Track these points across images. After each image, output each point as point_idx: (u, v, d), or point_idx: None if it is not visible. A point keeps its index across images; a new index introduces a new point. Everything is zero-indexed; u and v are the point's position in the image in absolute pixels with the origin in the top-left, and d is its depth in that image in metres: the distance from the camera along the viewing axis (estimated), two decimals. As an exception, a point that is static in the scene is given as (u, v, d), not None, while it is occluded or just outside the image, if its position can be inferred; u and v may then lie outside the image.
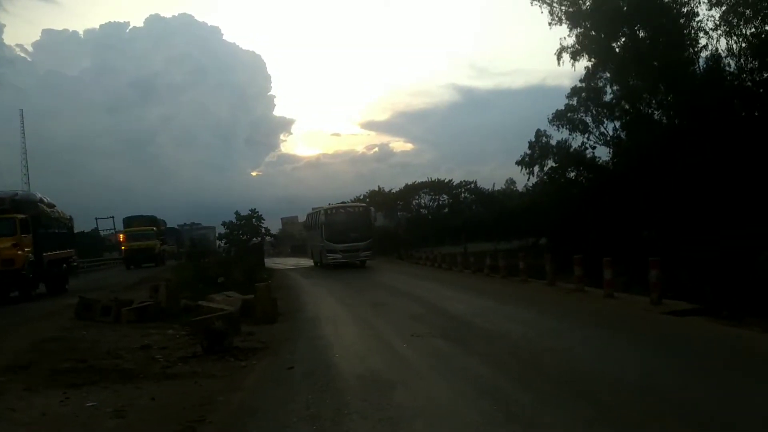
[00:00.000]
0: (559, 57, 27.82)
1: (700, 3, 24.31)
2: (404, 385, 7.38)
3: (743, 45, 22.77)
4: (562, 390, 6.81)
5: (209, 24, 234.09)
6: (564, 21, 26.57)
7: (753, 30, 22.35)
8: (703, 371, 7.43)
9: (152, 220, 48.57)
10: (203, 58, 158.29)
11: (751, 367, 7.62)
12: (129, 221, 48.93)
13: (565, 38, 27.35)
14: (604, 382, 7.09)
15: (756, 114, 22.35)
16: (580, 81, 29.23)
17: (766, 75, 22.31)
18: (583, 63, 28.00)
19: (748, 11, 22.10)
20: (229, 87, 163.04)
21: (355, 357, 9.23)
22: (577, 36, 26.59)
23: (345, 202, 38.36)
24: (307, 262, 37.90)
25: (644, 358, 8.38)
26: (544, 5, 27.10)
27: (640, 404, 6.18)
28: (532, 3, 27.40)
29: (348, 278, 24.38)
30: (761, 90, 22.65)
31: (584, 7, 25.68)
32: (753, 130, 20.86)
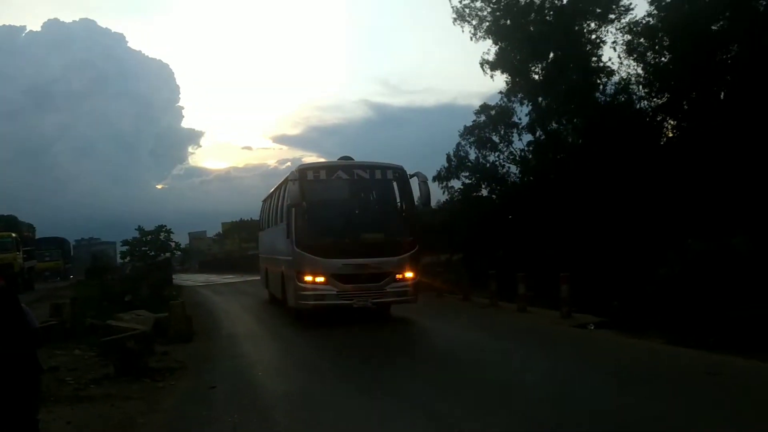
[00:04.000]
0: (482, 67, 28.50)
1: (607, 32, 25.76)
2: (332, 402, 7.35)
3: (645, 72, 24.35)
4: (481, 398, 7.05)
5: (113, 30, 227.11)
6: (487, 37, 27.39)
7: (653, 59, 23.95)
8: (611, 379, 7.92)
9: (9, 223, 35.51)
10: (106, 65, 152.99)
11: (653, 375, 8.13)
12: None
13: (487, 52, 28.14)
14: (520, 391, 7.44)
15: (654, 138, 23.89)
16: (501, 97, 29.75)
17: (663, 101, 23.91)
18: (504, 78, 28.68)
19: (648, 41, 23.65)
20: (133, 96, 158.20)
21: (279, 375, 9.11)
22: (496, 53, 27.49)
23: (349, 157, 14.91)
24: (220, 279, 36.08)
25: (557, 368, 8.76)
26: (466, 23, 27.73)
27: (552, 411, 6.51)
28: (454, 22, 27.97)
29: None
30: (659, 115, 24.26)
31: (504, 26, 26.58)
32: (651, 153, 22.25)
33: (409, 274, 13.14)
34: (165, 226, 37.50)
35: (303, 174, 13.32)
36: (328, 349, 10.86)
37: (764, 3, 20.95)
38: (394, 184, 13.92)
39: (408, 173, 13.88)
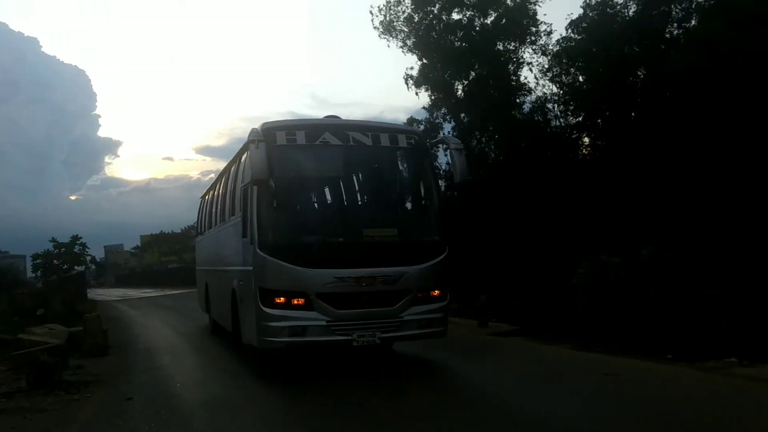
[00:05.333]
0: (406, 82, 28.96)
1: (524, 52, 26.80)
2: (253, 409, 7.41)
3: (561, 92, 25.51)
4: (401, 401, 7.34)
5: (26, 34, 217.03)
6: (413, 51, 27.90)
7: (568, 80, 25.13)
8: (517, 380, 8.48)
9: None
10: (16, 70, 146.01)
11: (555, 376, 8.74)
12: None
13: (411, 68, 28.64)
14: (437, 394, 7.82)
15: (570, 155, 25.02)
16: (426, 113, 30.33)
17: (579, 119, 25.11)
18: (428, 93, 29.23)
19: (563, 63, 24.80)
20: (46, 103, 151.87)
21: (198, 385, 9.07)
22: (420, 68, 28.04)
23: (335, 116, 9.89)
24: (138, 293, 34.98)
25: (473, 373, 9.19)
26: (392, 38, 28.12)
27: (469, 410, 6.90)
28: (380, 36, 28.31)
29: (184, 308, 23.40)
30: (575, 133, 25.41)
31: (429, 42, 27.16)
32: (568, 170, 23.29)
33: (436, 292, 8.85)
34: (80, 237, 36.21)
35: (270, 135, 8.43)
36: (250, 356, 10.82)
37: (669, 31, 22.39)
38: (411, 155, 9.50)
39: (428, 140, 10.14)
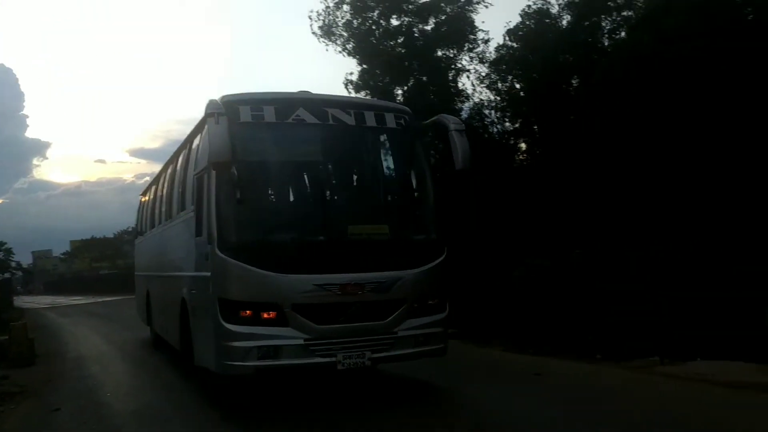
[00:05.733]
0: (346, 87, 28.94)
1: (461, 59, 27.22)
2: (185, 418, 7.28)
3: (498, 99, 26.07)
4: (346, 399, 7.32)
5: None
6: (353, 56, 27.93)
7: (505, 87, 25.69)
8: (451, 380, 8.69)
9: None
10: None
11: (488, 376, 9.16)
12: None
13: (351, 73, 28.66)
14: (379, 395, 7.87)
15: (507, 160, 25.58)
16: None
17: (516, 126, 25.70)
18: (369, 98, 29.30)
19: (500, 70, 25.34)
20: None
21: (129, 394, 8.85)
22: (360, 73, 28.10)
23: (304, 91, 8.00)
24: (68, 300, 33.76)
25: (410, 376, 9.13)
26: (330, 43, 28.06)
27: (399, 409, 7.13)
28: (319, 39, 28.18)
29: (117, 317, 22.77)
30: (512, 139, 26.00)
31: (368, 47, 27.27)
32: (505, 175, 23.79)
33: (433, 302, 7.58)
34: (5, 243, 34.69)
35: (232, 110, 6.95)
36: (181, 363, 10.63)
37: (600, 41, 23.18)
38: (401, 137, 8.07)
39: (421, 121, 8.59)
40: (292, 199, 8.46)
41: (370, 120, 7.76)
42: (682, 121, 14.06)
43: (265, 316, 6.68)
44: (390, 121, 7.90)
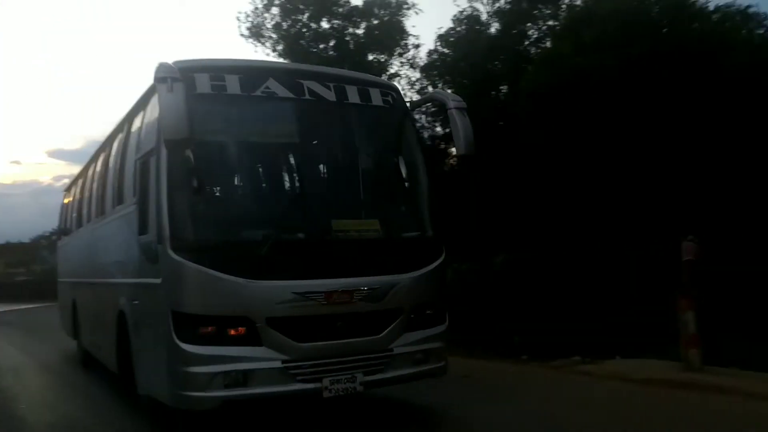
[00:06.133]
0: None
1: (391, 64, 27.38)
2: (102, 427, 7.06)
3: (430, 104, 26.36)
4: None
5: None
6: (282, 57, 27.56)
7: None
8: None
9: None
10: None
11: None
12: None
13: None
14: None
15: (438, 164, 25.94)
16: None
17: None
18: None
19: (430, 75, 25.62)
20: None
21: (46, 406, 8.47)
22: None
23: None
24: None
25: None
26: (260, 44, 27.55)
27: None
28: (246, 40, 27.58)
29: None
30: (442, 143, 26.36)
31: (298, 50, 27.00)
32: (437, 179, 24.09)
33: (432, 312, 6.39)
34: None
35: (189, 78, 5.53)
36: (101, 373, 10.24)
37: (527, 49, 23.81)
38: (389, 117, 6.78)
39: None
40: (264, 188, 6.93)
41: (353, 96, 6.46)
42: (606, 128, 14.67)
43: (233, 333, 5.35)
44: (376, 97, 6.61)
